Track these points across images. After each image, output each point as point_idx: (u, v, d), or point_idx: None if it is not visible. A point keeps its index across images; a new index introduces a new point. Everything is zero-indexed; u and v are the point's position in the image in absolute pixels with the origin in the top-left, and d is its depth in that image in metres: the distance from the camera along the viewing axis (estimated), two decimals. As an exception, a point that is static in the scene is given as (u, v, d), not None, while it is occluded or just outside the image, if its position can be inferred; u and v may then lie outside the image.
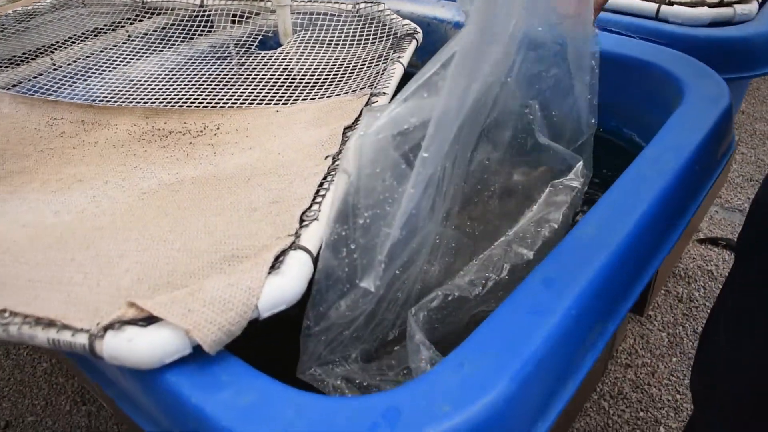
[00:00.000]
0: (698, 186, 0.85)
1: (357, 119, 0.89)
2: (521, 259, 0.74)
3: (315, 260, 0.63)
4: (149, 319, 0.55)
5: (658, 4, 1.34)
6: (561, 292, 0.61)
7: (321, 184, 0.74)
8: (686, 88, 0.98)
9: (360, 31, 1.29)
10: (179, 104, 1.10)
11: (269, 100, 1.08)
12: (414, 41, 1.21)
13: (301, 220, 0.67)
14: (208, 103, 1.09)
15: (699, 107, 0.92)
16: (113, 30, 1.39)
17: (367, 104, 0.95)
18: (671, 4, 1.34)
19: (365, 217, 0.67)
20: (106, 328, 0.53)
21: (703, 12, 1.30)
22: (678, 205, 0.79)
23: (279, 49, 1.32)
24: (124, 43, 1.38)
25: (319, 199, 0.71)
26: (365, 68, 1.17)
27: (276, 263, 0.60)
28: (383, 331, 0.70)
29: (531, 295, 0.61)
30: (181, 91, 1.15)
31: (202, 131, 0.99)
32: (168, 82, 1.20)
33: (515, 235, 0.78)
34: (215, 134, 0.98)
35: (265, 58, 1.28)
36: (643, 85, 1.10)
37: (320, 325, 0.66)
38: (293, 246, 0.63)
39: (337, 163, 0.77)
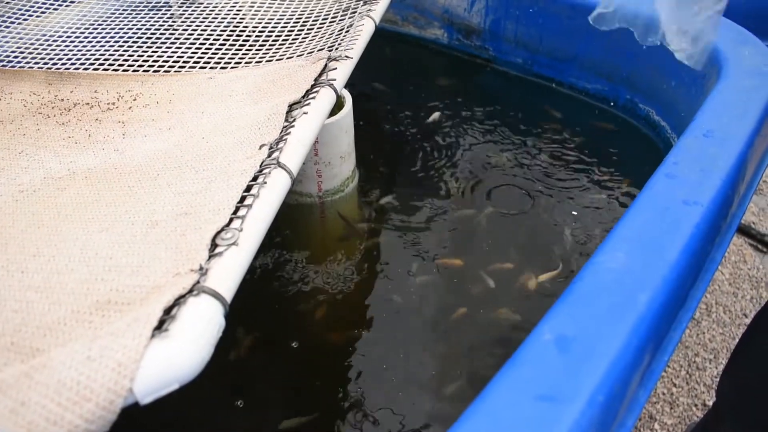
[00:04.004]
0: (750, 185, 0.66)
1: (307, 93, 0.68)
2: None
3: (228, 311, 0.44)
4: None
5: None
6: (583, 363, 0.42)
7: (249, 188, 0.53)
8: (724, 58, 0.78)
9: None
10: (93, 67, 0.88)
11: (204, 63, 0.86)
12: (389, -9, 0.99)
13: (214, 245, 0.48)
14: (129, 66, 0.88)
15: (743, 83, 0.73)
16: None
17: (323, 71, 0.74)
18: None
19: None
20: None
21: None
22: (726, 213, 0.60)
23: (227, -2, 1.10)
24: (42, -13, 1.14)
25: (243, 212, 0.51)
26: (327, 23, 0.95)
27: (166, 319, 0.41)
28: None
29: (540, 365, 0.42)
30: (98, 51, 0.93)
31: (114, 103, 0.78)
32: (85, 38, 0.98)
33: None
34: (130, 108, 0.76)
35: (209, 8, 1.06)
36: (667, 53, 0.89)
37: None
38: (195, 289, 0.43)
39: (274, 156, 0.57)
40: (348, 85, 0.78)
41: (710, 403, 1.27)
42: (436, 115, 1.31)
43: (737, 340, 1.40)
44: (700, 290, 0.56)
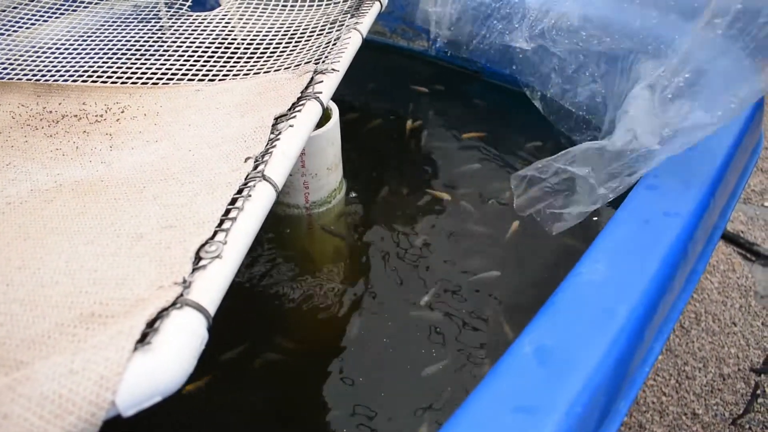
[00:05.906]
0: (732, 196, 0.66)
1: (293, 105, 0.69)
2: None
3: (211, 324, 0.44)
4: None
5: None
6: (561, 375, 0.42)
7: (234, 201, 0.54)
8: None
9: (312, -10, 1.08)
10: (81, 79, 0.88)
11: (192, 75, 0.87)
12: (377, 4, 1.00)
13: (197, 258, 0.48)
14: (117, 78, 0.88)
15: (725, 94, 0.73)
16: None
17: (309, 84, 0.74)
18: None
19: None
20: None
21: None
22: (708, 224, 0.61)
23: (217, 10, 1.10)
24: (32, 0, 1.15)
25: (227, 225, 0.51)
26: (315, 36, 0.96)
27: (149, 331, 0.41)
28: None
29: (519, 376, 0.42)
30: (86, 63, 0.93)
31: (102, 116, 0.78)
32: (74, 50, 0.98)
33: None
34: (117, 120, 0.77)
35: (198, 21, 1.06)
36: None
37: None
38: (178, 302, 0.43)
39: (259, 169, 0.57)
40: (335, 97, 0.79)
41: (700, 412, 1.28)
42: (419, 124, 1.32)
43: (726, 348, 1.41)
44: (683, 301, 0.57)
